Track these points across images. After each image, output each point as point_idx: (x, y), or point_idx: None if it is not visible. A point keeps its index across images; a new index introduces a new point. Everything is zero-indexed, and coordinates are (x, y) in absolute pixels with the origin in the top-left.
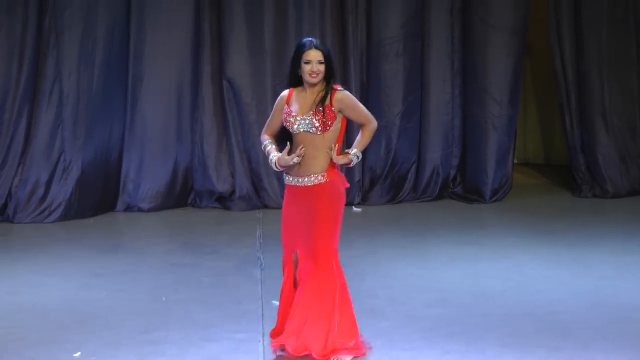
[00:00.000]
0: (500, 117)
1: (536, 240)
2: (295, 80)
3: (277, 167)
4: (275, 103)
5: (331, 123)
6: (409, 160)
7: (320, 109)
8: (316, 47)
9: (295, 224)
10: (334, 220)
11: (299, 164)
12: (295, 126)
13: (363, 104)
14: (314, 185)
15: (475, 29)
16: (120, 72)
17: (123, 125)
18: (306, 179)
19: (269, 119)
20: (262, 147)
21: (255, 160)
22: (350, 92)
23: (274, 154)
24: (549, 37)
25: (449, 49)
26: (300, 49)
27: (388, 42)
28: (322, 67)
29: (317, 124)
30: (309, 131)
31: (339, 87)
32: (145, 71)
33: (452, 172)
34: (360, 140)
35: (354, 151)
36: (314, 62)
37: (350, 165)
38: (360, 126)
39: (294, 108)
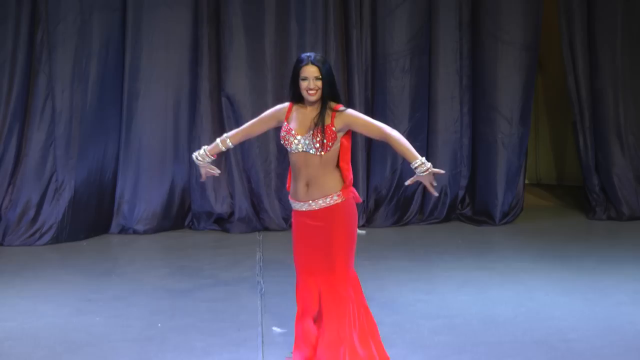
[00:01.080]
0: (510, 136)
1: (548, 265)
2: (298, 96)
3: (197, 159)
4: (272, 110)
5: (332, 144)
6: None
7: (321, 129)
8: (313, 63)
9: (311, 248)
10: (351, 238)
11: (306, 187)
12: (294, 145)
13: None
14: (331, 207)
15: (484, 44)
16: (115, 89)
17: (118, 144)
18: (320, 202)
19: (254, 120)
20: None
21: (255, 180)
22: (355, 109)
23: (205, 147)
24: (561, 52)
25: (457, 64)
26: (298, 65)
27: (394, 57)
28: (319, 84)
29: (317, 145)
30: (309, 151)
31: (341, 107)
32: (141, 88)
33: (461, 193)
34: (405, 152)
35: (418, 161)
36: (310, 78)
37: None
38: (388, 142)
39: (293, 126)
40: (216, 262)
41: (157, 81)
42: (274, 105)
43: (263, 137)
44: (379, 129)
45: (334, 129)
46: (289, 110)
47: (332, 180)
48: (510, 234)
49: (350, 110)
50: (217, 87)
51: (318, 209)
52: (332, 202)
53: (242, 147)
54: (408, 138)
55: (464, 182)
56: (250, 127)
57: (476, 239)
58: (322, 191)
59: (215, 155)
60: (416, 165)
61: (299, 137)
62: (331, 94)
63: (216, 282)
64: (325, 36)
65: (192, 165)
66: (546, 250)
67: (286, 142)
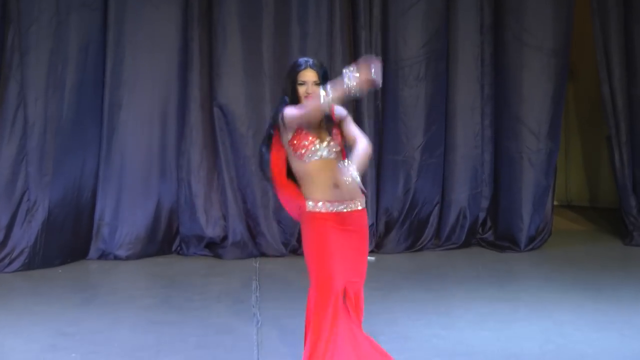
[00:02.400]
0: (537, 152)
1: (580, 296)
2: (296, 102)
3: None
4: None
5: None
6: (431, 202)
7: (337, 132)
8: (312, 67)
9: (345, 252)
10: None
11: (338, 188)
12: (317, 154)
13: (378, 135)
14: (362, 210)
15: (509, 49)
16: (95, 97)
17: (98, 159)
18: (352, 205)
19: None
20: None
21: (251, 200)
22: (364, 121)
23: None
24: (594, 58)
25: (478, 72)
26: (295, 69)
27: (407, 63)
28: (317, 89)
29: (339, 148)
30: (330, 157)
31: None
32: (124, 96)
33: (482, 216)
34: (358, 154)
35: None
36: (309, 83)
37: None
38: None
39: (311, 133)
40: (207, 292)
41: (142, 89)
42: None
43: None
44: (356, 130)
45: (339, 128)
46: None
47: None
48: (537, 262)
49: (341, 109)
50: (209, 95)
51: (352, 211)
52: (360, 206)
53: (237, 163)
54: (423, 154)
55: (485, 203)
56: None
57: (499, 267)
58: (352, 194)
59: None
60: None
61: (318, 145)
62: None
63: (207, 314)
64: (330, 39)
65: (181, 183)
66: (577, 280)
67: (302, 152)
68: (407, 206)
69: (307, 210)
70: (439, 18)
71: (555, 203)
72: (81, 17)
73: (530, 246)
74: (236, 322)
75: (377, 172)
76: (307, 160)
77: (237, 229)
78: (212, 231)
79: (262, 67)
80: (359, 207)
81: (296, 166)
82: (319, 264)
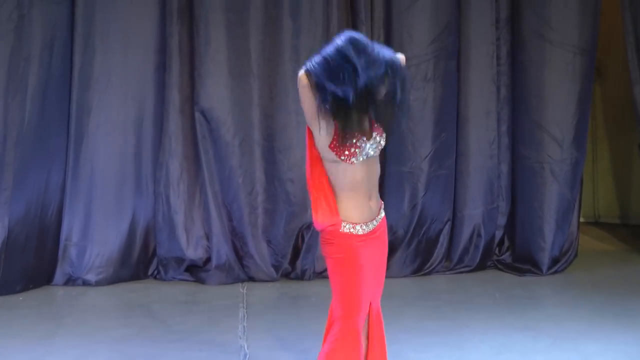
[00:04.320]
0: (561, 162)
1: (609, 325)
2: None
3: None
4: None
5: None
6: (441, 219)
7: (375, 124)
8: None
9: (374, 272)
10: None
11: (370, 201)
12: (364, 152)
13: None
14: (384, 218)
15: (528, 46)
16: (61, 102)
17: (64, 171)
18: (379, 216)
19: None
20: None
21: (238, 217)
22: None
23: None
24: (625, 56)
25: (493, 71)
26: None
27: (414, 62)
28: None
29: (382, 142)
30: (374, 155)
31: None
32: (94, 100)
33: (498, 234)
34: None
35: None
36: None
37: None
38: None
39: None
40: (188, 322)
41: (114, 91)
42: (261, 122)
43: (248, 163)
44: None
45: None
46: None
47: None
48: (561, 286)
49: None
50: (190, 99)
51: (379, 225)
52: (383, 213)
53: (222, 175)
54: (431, 164)
55: (502, 220)
56: (310, 95)
57: (518, 293)
58: (379, 201)
59: None
60: None
61: (368, 140)
62: None
63: (188, 346)
64: (327, 35)
65: (159, 198)
66: (606, 307)
67: (355, 152)
68: (413, 224)
69: (341, 230)
70: (449, 11)
71: (582, 220)
72: (45, 11)
73: (554, 269)
74: (221, 356)
75: (380, 186)
76: (355, 161)
77: (222, 250)
78: (193, 252)
79: (250, 67)
80: (382, 215)
81: (334, 173)
82: (348, 287)
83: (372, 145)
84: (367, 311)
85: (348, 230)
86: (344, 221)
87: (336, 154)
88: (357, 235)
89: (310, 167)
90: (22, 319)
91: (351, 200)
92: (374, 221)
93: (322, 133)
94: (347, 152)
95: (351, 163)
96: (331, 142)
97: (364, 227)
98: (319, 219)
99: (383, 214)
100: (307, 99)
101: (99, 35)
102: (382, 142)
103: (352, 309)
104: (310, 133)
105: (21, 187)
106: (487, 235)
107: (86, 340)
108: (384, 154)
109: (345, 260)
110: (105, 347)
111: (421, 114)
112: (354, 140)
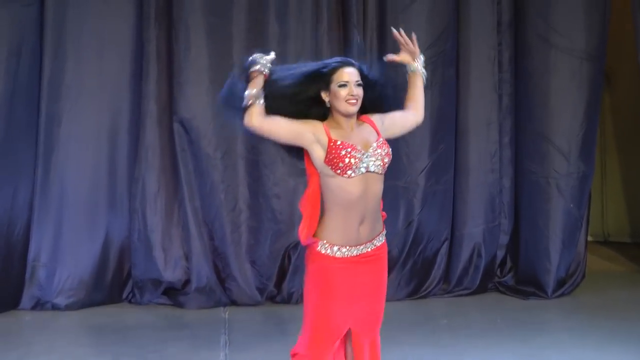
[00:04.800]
0: (567, 177)
1: (618, 353)
2: (322, 115)
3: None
4: (302, 122)
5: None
6: (439, 237)
7: (381, 138)
8: (353, 65)
9: (357, 293)
10: None
11: (360, 225)
12: (360, 165)
13: None
14: (380, 246)
15: (532, 51)
16: (29, 112)
17: (32, 186)
18: (375, 241)
19: (284, 119)
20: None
21: (219, 236)
22: None
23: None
24: (635, 62)
25: (495, 79)
26: (329, 69)
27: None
28: (361, 91)
29: (386, 160)
30: (376, 172)
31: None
32: (65, 110)
33: (500, 254)
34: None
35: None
36: (351, 83)
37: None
38: (409, 116)
39: (354, 141)
40: (166, 350)
41: (87, 100)
42: (245, 133)
43: (231, 178)
44: (404, 112)
45: (383, 137)
46: (325, 128)
47: (380, 212)
48: (567, 310)
49: (376, 115)
50: (168, 108)
51: (370, 252)
52: (383, 239)
53: (202, 191)
54: (428, 179)
55: (504, 239)
56: (276, 122)
57: (521, 317)
58: (376, 227)
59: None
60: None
61: (365, 153)
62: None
63: None
64: (316, 40)
65: (134, 215)
66: (617, 332)
67: (350, 163)
68: (409, 243)
69: (317, 249)
70: (447, 14)
71: (590, 239)
72: (12, 14)
73: (560, 292)
74: None
75: None
76: (352, 174)
77: (203, 271)
78: (171, 274)
79: (233, 74)
80: (381, 242)
81: (330, 188)
82: (317, 311)
83: (372, 159)
84: (336, 349)
85: (324, 251)
86: (321, 240)
87: (331, 168)
88: (335, 258)
89: (308, 182)
90: None
91: (339, 220)
92: (361, 247)
93: (316, 149)
94: (341, 164)
95: (348, 177)
96: (325, 157)
97: (345, 250)
98: (300, 231)
99: (382, 240)
100: (275, 129)
101: (71, 40)
102: (387, 159)
103: (318, 341)
104: (307, 152)
105: None
106: (488, 255)
107: None
108: None
109: (317, 283)
110: None
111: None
112: (349, 150)
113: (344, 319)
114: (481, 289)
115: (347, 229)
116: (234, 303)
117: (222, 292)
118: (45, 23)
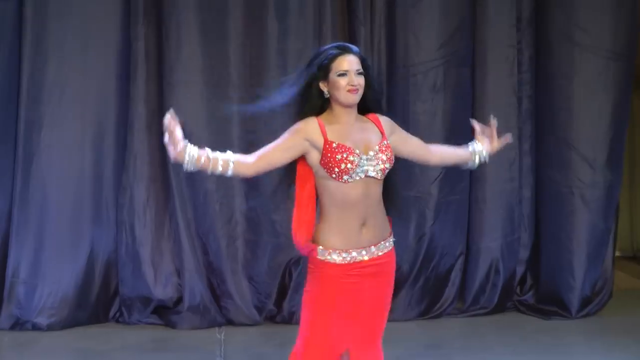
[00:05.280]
0: (593, 187)
1: None
2: (320, 107)
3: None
4: (293, 132)
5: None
6: (453, 252)
7: (385, 141)
8: (353, 52)
9: (352, 313)
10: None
11: (361, 228)
12: (359, 170)
13: None
14: (388, 253)
15: (554, 51)
16: (7, 116)
17: (10, 196)
18: (381, 246)
19: (270, 148)
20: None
21: (214, 250)
22: None
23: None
24: None
25: (513, 80)
26: (327, 57)
27: (421, 69)
28: (362, 80)
29: (387, 165)
30: (375, 176)
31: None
32: (46, 114)
33: (520, 271)
34: (458, 156)
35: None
36: (352, 72)
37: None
38: (426, 154)
39: (350, 143)
40: None
41: (70, 104)
42: (241, 139)
43: (226, 187)
44: (418, 140)
45: (388, 141)
46: (322, 128)
47: (384, 214)
48: (592, 332)
49: (387, 118)
50: (158, 112)
51: (374, 259)
52: (389, 246)
53: (195, 201)
54: (442, 189)
55: (524, 253)
56: (268, 157)
57: (543, 339)
58: (382, 230)
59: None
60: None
61: (364, 157)
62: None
63: None
64: (319, 38)
65: (121, 227)
66: None
67: (347, 168)
68: (420, 258)
69: (318, 257)
70: (462, 9)
71: (617, 254)
72: None
73: (585, 311)
74: None
75: None
76: (349, 180)
77: (196, 288)
78: (162, 291)
79: (229, 75)
80: (388, 248)
81: (327, 189)
82: (312, 327)
83: (372, 163)
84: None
85: (323, 258)
86: (319, 246)
87: (327, 171)
88: (335, 265)
89: (297, 185)
90: None
91: (338, 221)
92: (364, 251)
93: (312, 152)
94: (336, 169)
95: (345, 182)
96: (321, 159)
97: (346, 255)
98: (295, 235)
99: (389, 245)
100: (269, 160)
101: (52, 39)
102: (388, 165)
103: (316, 347)
104: (304, 161)
105: None
106: (506, 271)
107: None
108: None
109: (316, 298)
110: None
111: (429, 129)
112: (345, 155)
113: (341, 338)
114: (499, 309)
115: (347, 231)
116: (230, 323)
117: (217, 311)
118: (25, 20)
